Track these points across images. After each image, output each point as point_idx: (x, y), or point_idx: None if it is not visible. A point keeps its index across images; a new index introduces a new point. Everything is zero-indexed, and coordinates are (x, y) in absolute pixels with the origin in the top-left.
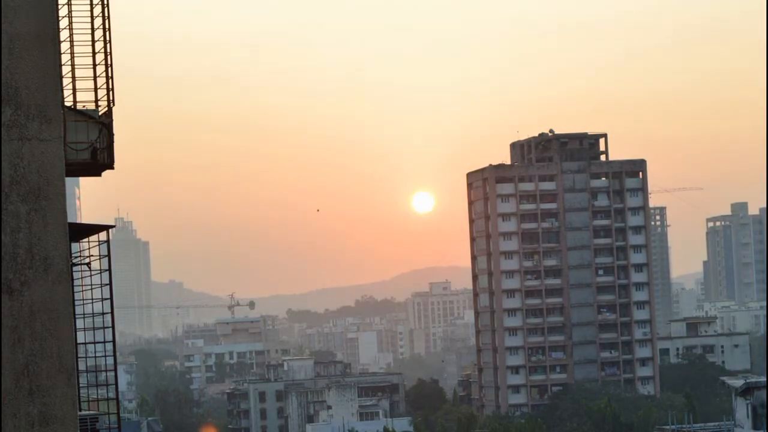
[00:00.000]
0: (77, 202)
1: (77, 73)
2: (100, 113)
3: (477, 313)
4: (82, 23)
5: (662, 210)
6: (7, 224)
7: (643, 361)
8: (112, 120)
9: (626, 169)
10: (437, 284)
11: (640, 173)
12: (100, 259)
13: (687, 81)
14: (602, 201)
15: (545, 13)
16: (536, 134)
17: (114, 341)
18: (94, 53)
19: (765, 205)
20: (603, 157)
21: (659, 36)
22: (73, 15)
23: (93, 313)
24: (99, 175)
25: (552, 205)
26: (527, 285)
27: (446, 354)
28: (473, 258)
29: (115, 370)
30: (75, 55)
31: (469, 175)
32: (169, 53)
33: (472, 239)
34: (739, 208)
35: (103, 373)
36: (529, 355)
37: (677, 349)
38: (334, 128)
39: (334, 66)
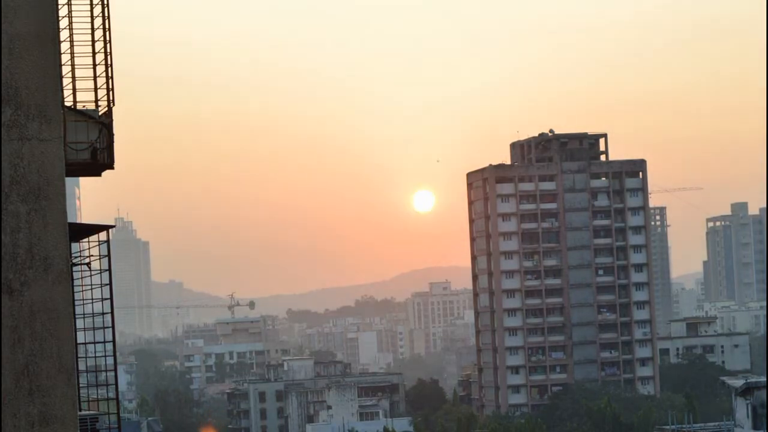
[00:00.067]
0: (77, 202)
1: (77, 73)
2: (100, 113)
3: (477, 313)
4: (82, 23)
5: (662, 210)
6: (7, 224)
7: (643, 361)
8: (112, 120)
9: (626, 169)
10: (437, 284)
11: (640, 173)
12: (100, 259)
13: (687, 81)
14: (602, 201)
15: (545, 13)
16: (536, 134)
17: (114, 341)
18: (94, 53)
19: (765, 205)
20: (603, 157)
21: (659, 36)
22: (73, 15)
23: (93, 313)
24: (99, 175)
25: (552, 205)
26: (527, 285)
27: (446, 354)
28: (473, 258)
29: (115, 370)
30: (75, 55)
31: (469, 175)
32: (169, 54)
33: (472, 239)
34: (739, 208)
35: (103, 373)
36: (529, 355)
37: (677, 349)
38: (334, 128)
39: (333, 66)
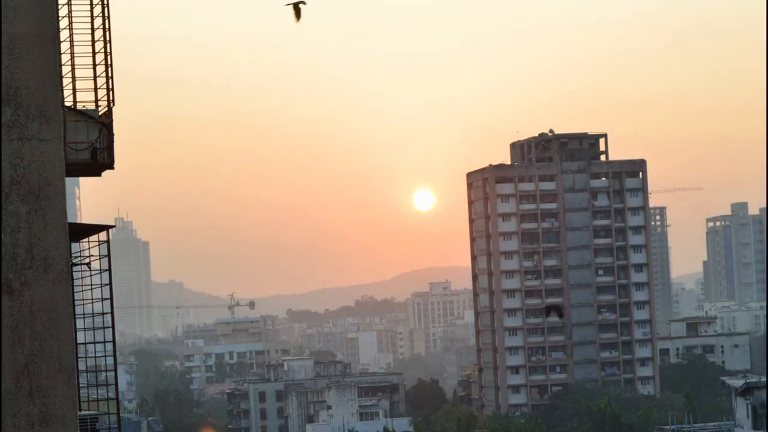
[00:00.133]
0: (77, 202)
1: (77, 73)
2: (100, 113)
3: (477, 313)
4: (82, 23)
5: (662, 210)
6: (7, 224)
7: (643, 361)
8: (112, 120)
9: (626, 169)
10: (437, 284)
11: (640, 173)
12: (100, 259)
13: (687, 81)
14: (602, 201)
15: (545, 13)
16: (536, 134)
17: (114, 341)
18: (94, 53)
19: (765, 205)
20: (603, 157)
21: (659, 36)
22: (73, 15)
23: (93, 313)
24: (99, 175)
25: (552, 205)
26: (527, 285)
27: (446, 354)
28: (473, 258)
29: (115, 370)
30: (75, 55)
31: (469, 175)
32: (169, 54)
33: (472, 239)
34: (739, 208)
35: (103, 373)
36: (529, 355)
37: (677, 349)
38: (334, 128)
39: (333, 66)
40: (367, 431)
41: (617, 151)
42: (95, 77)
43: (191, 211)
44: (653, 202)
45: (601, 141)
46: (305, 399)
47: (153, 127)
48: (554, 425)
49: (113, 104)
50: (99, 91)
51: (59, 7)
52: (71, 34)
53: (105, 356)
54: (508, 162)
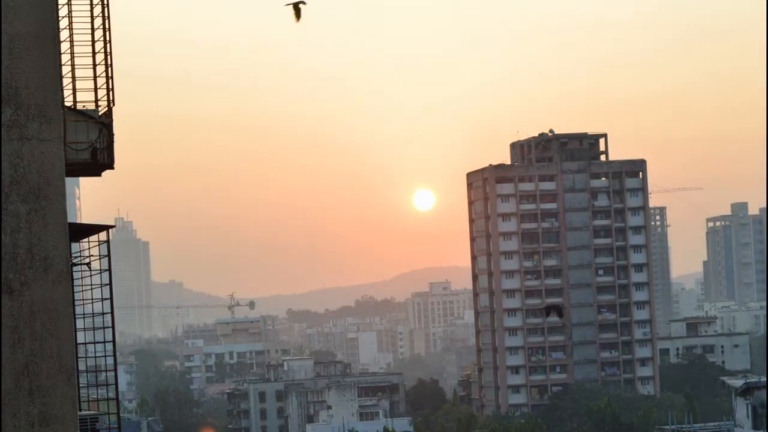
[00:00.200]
0: (77, 202)
1: (77, 73)
2: (100, 113)
3: (477, 313)
4: (82, 23)
5: (662, 210)
6: (7, 224)
7: (643, 361)
8: (112, 120)
9: (626, 169)
10: (437, 284)
11: (640, 173)
12: (100, 259)
13: (687, 81)
14: (602, 201)
15: (545, 13)
16: (536, 134)
17: (114, 341)
18: (94, 53)
19: (765, 205)
20: (603, 157)
21: (659, 36)
22: (73, 15)
23: (93, 313)
24: (99, 175)
25: (552, 205)
26: (527, 285)
27: (446, 354)
28: (473, 258)
29: (115, 370)
30: (75, 55)
31: (469, 175)
32: (170, 54)
33: (472, 239)
34: (739, 208)
35: (103, 373)
36: (529, 355)
37: (677, 349)
38: (334, 128)
39: (333, 66)
40: (367, 431)
41: (617, 151)
42: (95, 77)
43: (191, 211)
44: (653, 202)
45: (601, 141)
46: (305, 399)
47: (153, 127)
48: (554, 425)
49: (113, 104)
50: (99, 91)
51: (59, 7)
52: (71, 34)
53: (105, 356)
54: (508, 162)
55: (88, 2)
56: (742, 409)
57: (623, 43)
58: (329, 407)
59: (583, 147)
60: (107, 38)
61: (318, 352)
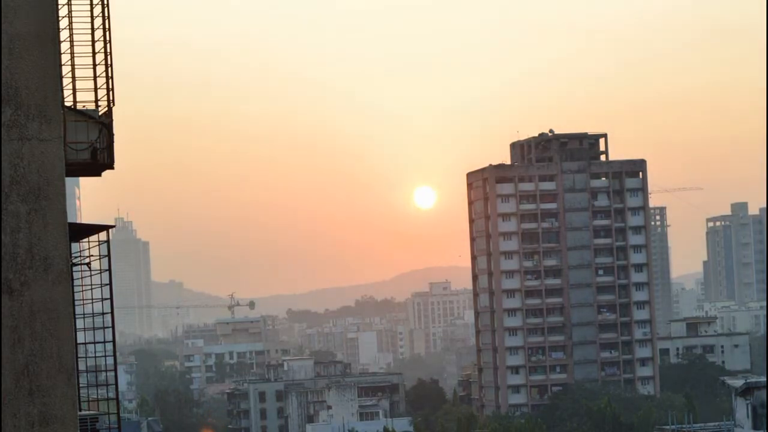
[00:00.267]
0: (77, 202)
1: (77, 73)
2: (100, 113)
3: (477, 313)
4: (82, 23)
5: (662, 210)
6: (7, 224)
7: (643, 361)
8: (112, 120)
9: (626, 169)
10: (437, 284)
11: (640, 173)
12: (100, 259)
13: (687, 81)
14: (602, 201)
15: (546, 14)
16: (536, 134)
17: (114, 341)
18: (94, 53)
19: (765, 205)
20: (603, 157)
21: (660, 37)
22: (73, 15)
23: (93, 313)
24: (99, 175)
25: (552, 205)
26: (527, 285)
27: (446, 354)
28: (473, 258)
29: (115, 370)
30: (75, 55)
31: (469, 175)
32: (169, 54)
33: (472, 239)
34: (739, 208)
35: (103, 373)
36: (529, 355)
37: (677, 349)
38: (334, 128)
39: (334, 67)
40: (367, 431)
41: (617, 151)
42: (95, 77)
43: (191, 211)
44: (653, 202)
45: (601, 141)
46: (305, 399)
47: (153, 128)
48: (554, 425)
49: (113, 104)
50: (99, 91)
51: (59, 7)
52: (71, 34)
53: (105, 356)
54: (508, 162)
55: (88, 2)
56: (742, 409)
57: (623, 43)
58: (329, 407)
59: (583, 147)
60: (107, 38)
61: (318, 352)
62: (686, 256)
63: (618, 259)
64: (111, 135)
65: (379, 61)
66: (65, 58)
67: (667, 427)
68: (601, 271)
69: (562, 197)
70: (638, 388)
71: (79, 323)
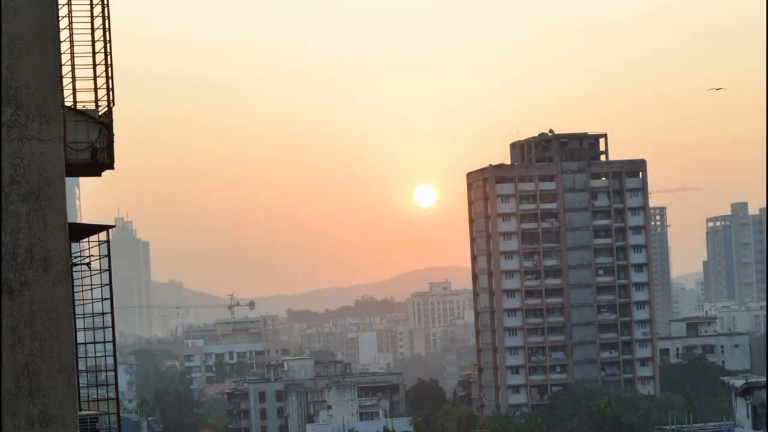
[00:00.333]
0: (77, 202)
1: (77, 73)
2: (100, 113)
3: (477, 313)
4: (82, 23)
5: (662, 210)
6: (7, 224)
7: (643, 361)
8: (112, 120)
9: (626, 169)
10: (437, 284)
11: (640, 173)
12: (100, 259)
13: (687, 81)
14: (602, 201)
15: (546, 14)
16: (536, 134)
17: (114, 341)
18: (94, 53)
19: (765, 205)
20: (603, 157)
21: (659, 36)
22: (73, 15)
23: (93, 313)
24: (99, 175)
25: (552, 205)
26: (527, 285)
27: (446, 354)
28: (473, 258)
29: (115, 370)
30: (75, 55)
31: (469, 175)
32: (169, 54)
33: (472, 239)
34: (739, 208)
35: (103, 373)
36: (529, 355)
37: (677, 349)
38: (334, 128)
39: (334, 67)
40: (367, 431)
41: (617, 151)
42: (95, 77)
43: (191, 211)
44: (653, 202)
45: (601, 141)
46: (305, 399)
47: (153, 128)
48: (554, 425)
49: (113, 104)
50: (99, 91)
51: (59, 7)
52: (71, 34)
53: (105, 356)
54: (508, 162)
55: (88, 2)
56: (742, 409)
57: (623, 43)
58: (329, 407)
59: (583, 147)
60: (107, 38)
61: (318, 352)
62: (686, 256)
63: (618, 259)
64: (111, 135)
65: (379, 61)
66: (65, 58)
67: (667, 427)
68: (601, 271)
69: (562, 197)
70: (638, 388)
71: (79, 323)
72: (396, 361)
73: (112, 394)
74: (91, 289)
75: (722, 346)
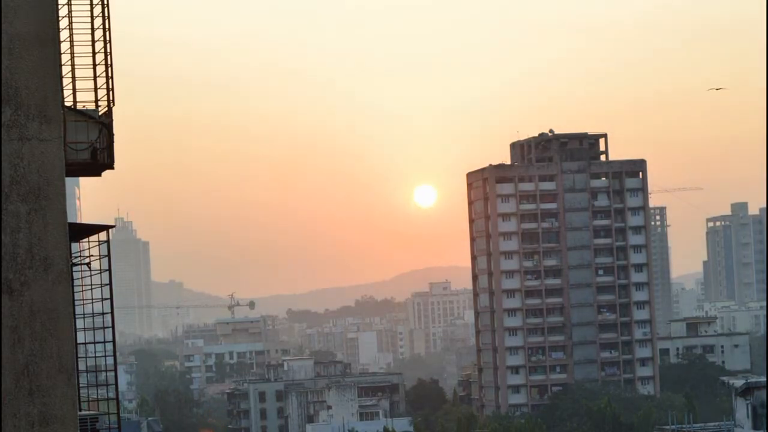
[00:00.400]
0: (77, 202)
1: (77, 73)
2: (100, 113)
3: (477, 313)
4: (82, 23)
5: (662, 210)
6: (7, 224)
7: (643, 361)
8: (112, 120)
9: (626, 169)
10: (437, 284)
11: (640, 173)
12: (100, 259)
13: (687, 81)
14: (602, 201)
15: (546, 14)
16: (536, 134)
17: (114, 341)
18: (94, 53)
19: (765, 205)
20: (603, 157)
21: (659, 36)
22: (73, 15)
23: (93, 313)
24: (99, 175)
25: (552, 205)
26: (527, 285)
27: (446, 354)
28: (473, 258)
29: (115, 370)
30: (75, 55)
31: (469, 175)
32: (169, 54)
33: (472, 239)
34: (739, 208)
35: (103, 373)
36: (529, 355)
37: (677, 349)
38: (334, 128)
39: (334, 67)
40: (367, 431)
41: (617, 151)
42: (95, 77)
43: (191, 211)
44: (653, 202)
45: (601, 141)
46: (305, 399)
47: (153, 128)
48: (554, 425)
49: (113, 104)
50: (99, 91)
51: (59, 7)
52: (71, 34)
53: (105, 356)
54: (508, 162)
55: (88, 2)
56: (742, 409)
57: (623, 43)
58: (329, 407)
59: (583, 147)
60: (107, 38)
61: (318, 352)
62: (686, 256)
63: (618, 259)
64: (111, 135)
65: (379, 61)
66: (65, 58)
67: (667, 427)
68: (601, 271)
69: (562, 197)
70: (638, 388)
71: (79, 323)
72: (396, 361)
73: (112, 394)
74: (91, 289)
75: (722, 346)
